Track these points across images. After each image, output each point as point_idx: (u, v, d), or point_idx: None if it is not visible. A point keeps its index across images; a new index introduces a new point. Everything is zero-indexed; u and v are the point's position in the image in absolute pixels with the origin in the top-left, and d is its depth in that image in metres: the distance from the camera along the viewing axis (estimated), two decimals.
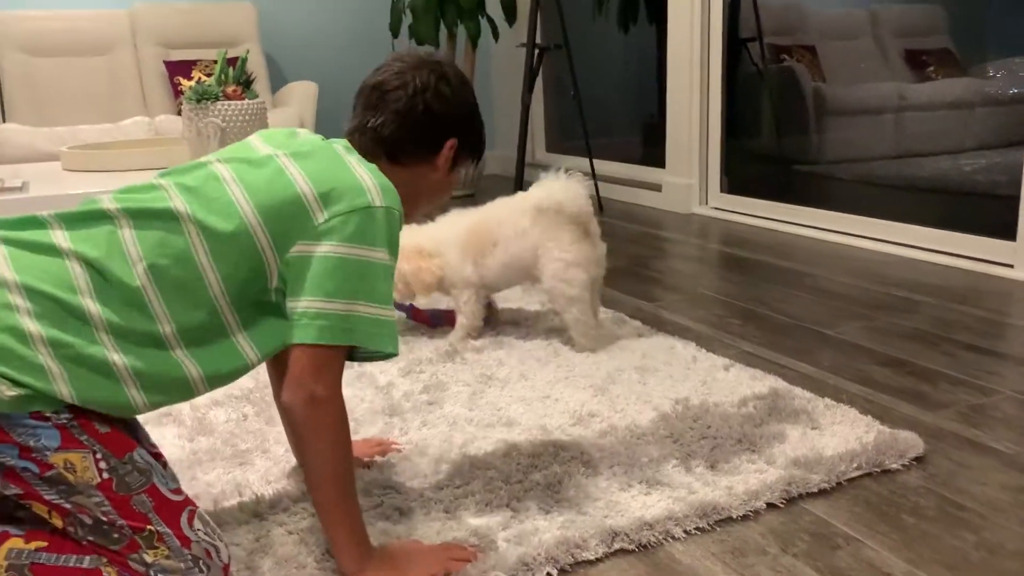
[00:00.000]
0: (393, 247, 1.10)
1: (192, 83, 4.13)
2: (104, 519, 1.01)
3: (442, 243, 2.13)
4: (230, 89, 2.06)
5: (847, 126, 4.46)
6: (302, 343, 1.06)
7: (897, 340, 2.01)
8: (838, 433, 1.46)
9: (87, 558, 1.02)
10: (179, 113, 4.10)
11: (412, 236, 2.15)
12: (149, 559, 1.02)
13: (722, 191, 3.70)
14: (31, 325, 0.99)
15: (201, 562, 1.04)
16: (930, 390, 1.70)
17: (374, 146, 1.20)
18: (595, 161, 3.93)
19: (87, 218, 1.07)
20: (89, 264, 1.03)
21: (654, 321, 2.20)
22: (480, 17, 4.31)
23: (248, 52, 2.33)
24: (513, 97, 5.00)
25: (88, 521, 1.01)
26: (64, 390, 0.99)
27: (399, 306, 2.22)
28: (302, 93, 4.18)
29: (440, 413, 1.63)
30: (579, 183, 2.04)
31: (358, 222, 1.06)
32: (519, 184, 3.82)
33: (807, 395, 1.63)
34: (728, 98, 3.79)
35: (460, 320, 2.10)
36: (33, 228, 1.06)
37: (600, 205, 3.94)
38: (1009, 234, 2.56)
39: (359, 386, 1.79)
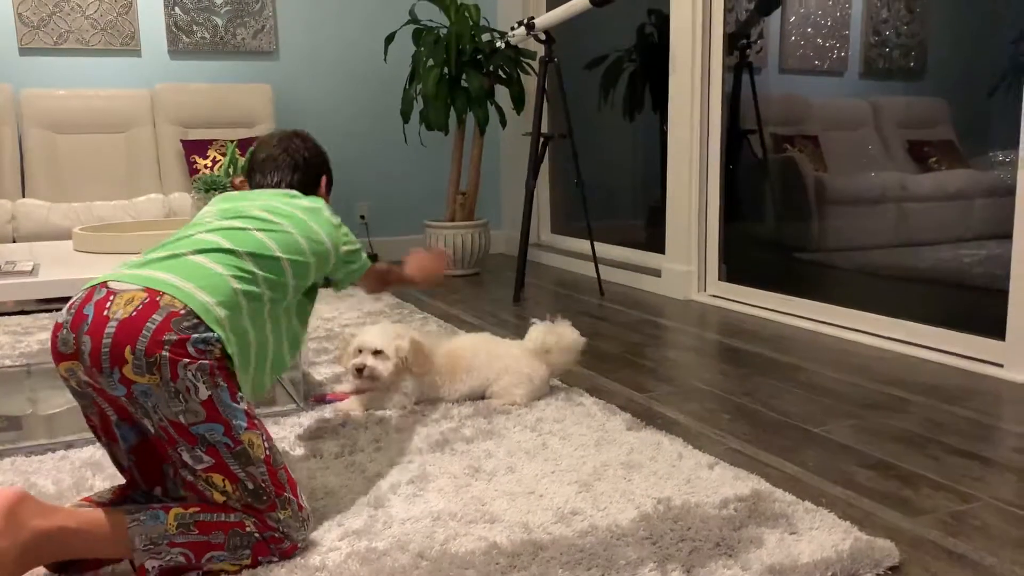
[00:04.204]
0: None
1: (207, 162, 4.26)
2: (261, 485, 1.42)
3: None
4: (238, 180, 2.14)
5: (848, 215, 4.53)
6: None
7: (884, 441, 2.02)
8: (815, 539, 1.47)
9: (233, 514, 1.40)
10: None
11: (410, 333, 2.29)
12: (281, 517, 1.44)
13: (720, 279, 3.75)
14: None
15: (305, 524, 1.48)
16: (912, 495, 1.71)
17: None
18: (598, 244, 4.01)
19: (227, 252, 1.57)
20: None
21: (644, 414, 2.23)
22: (489, 105, 4.45)
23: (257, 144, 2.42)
24: (519, 181, 5.12)
25: (250, 486, 1.41)
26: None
27: (322, 399, 2.37)
28: None
29: (425, 507, 1.65)
30: (570, 330, 2.41)
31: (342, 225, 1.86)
32: (522, 263, 3.90)
33: (788, 498, 1.65)
34: (729, 187, 3.88)
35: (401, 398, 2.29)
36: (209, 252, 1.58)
37: (601, 289, 4.00)
38: (999, 332, 2.59)
39: (348, 475, 1.82)
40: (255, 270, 1.55)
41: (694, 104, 3.69)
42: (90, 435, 2.10)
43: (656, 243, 4.22)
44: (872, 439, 2.04)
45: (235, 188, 2.18)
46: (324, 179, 1.94)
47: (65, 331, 1.39)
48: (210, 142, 4.33)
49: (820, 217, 4.66)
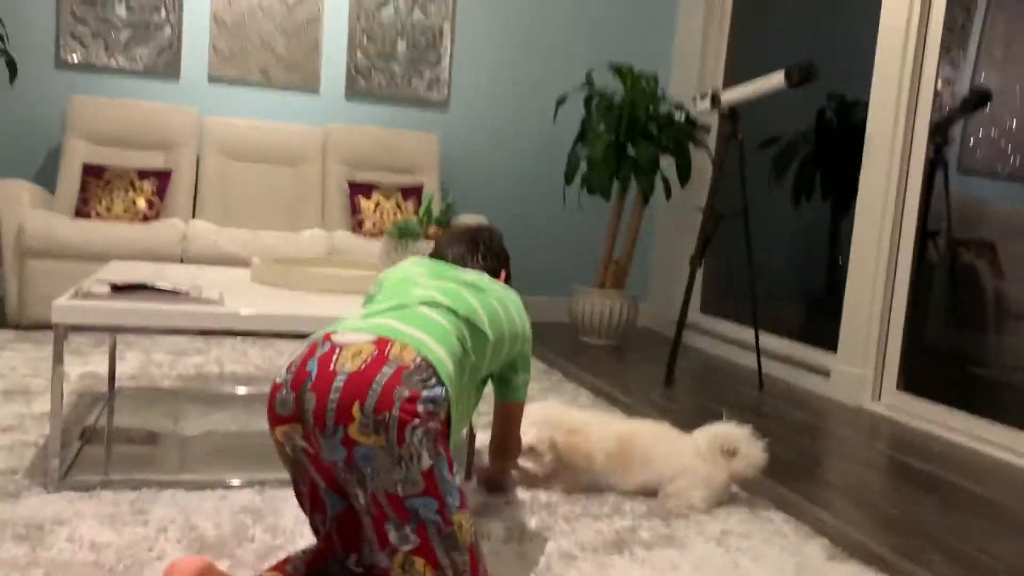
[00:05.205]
0: None
1: (370, 204, 4.28)
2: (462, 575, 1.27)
3: (594, 438, 2.14)
4: (431, 230, 2.06)
5: None
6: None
7: None
8: None
9: None
10: (353, 230, 4.24)
11: (562, 414, 2.14)
12: None
13: (899, 388, 3.43)
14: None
15: None
16: None
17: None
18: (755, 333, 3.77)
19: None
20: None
21: (841, 540, 1.97)
22: (654, 175, 4.32)
23: (451, 198, 2.39)
24: (671, 255, 4.94)
25: (450, 574, 1.26)
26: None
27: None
28: None
29: None
30: (757, 444, 2.18)
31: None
32: (676, 344, 3.69)
33: None
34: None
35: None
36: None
37: (761, 382, 3.74)
38: None
39: (521, 566, 1.65)
40: (467, 334, 1.46)
41: (888, 197, 3.44)
42: (253, 475, 2.01)
43: (820, 338, 3.94)
44: None
45: (428, 237, 2.10)
46: (503, 274, 1.84)
47: (285, 391, 1.30)
48: (375, 185, 4.35)
49: (1000, 331, 4.28)
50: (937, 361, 4.06)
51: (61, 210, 3.91)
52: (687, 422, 2.88)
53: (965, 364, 4.24)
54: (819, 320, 4.27)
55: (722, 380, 3.84)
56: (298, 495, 1.40)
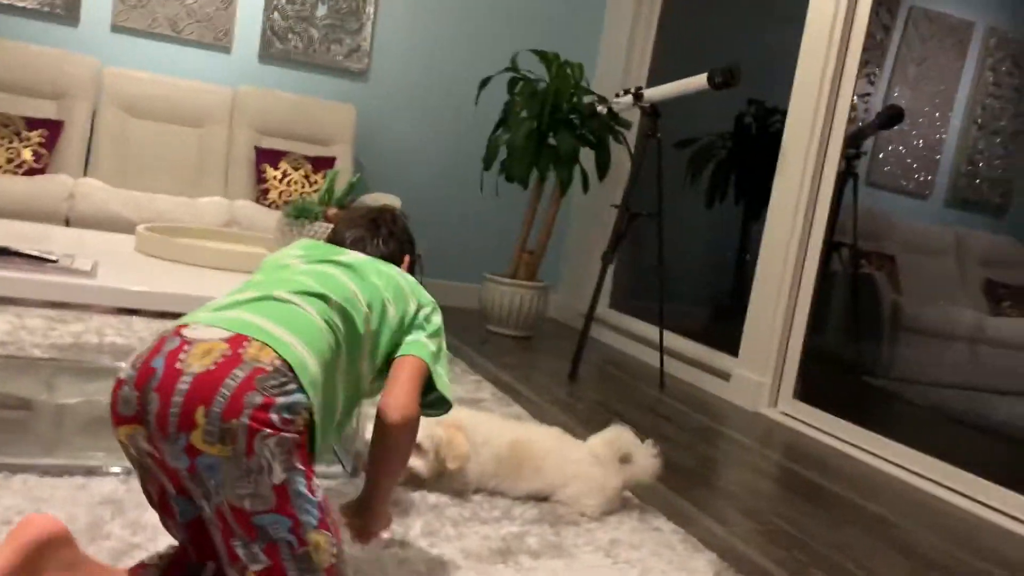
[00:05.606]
0: None
1: (277, 173, 4.09)
2: None
3: (481, 440, 2.05)
4: (331, 212, 1.95)
5: (923, 347, 4.27)
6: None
7: None
8: None
9: None
10: (257, 200, 4.04)
11: (456, 413, 2.05)
12: None
13: (795, 396, 3.48)
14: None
15: None
16: None
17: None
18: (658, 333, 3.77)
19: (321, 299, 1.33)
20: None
21: (730, 555, 1.96)
22: (573, 166, 4.26)
23: (359, 176, 2.27)
24: (584, 248, 4.91)
25: None
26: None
27: None
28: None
29: None
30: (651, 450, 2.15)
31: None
32: (583, 339, 3.65)
33: None
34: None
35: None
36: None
37: (662, 382, 3.74)
38: None
39: (399, 575, 1.57)
40: (340, 323, 1.31)
41: (799, 209, 3.47)
42: (114, 464, 1.87)
43: (722, 341, 3.96)
44: None
45: (328, 220, 1.98)
46: (407, 259, 1.67)
47: (127, 389, 1.15)
48: (284, 154, 4.17)
49: (895, 343, 4.40)
50: (833, 371, 4.15)
51: None
52: (588, 420, 2.85)
53: (860, 375, 4.35)
54: (723, 323, 4.31)
55: (626, 378, 3.83)
56: (147, 497, 1.27)
